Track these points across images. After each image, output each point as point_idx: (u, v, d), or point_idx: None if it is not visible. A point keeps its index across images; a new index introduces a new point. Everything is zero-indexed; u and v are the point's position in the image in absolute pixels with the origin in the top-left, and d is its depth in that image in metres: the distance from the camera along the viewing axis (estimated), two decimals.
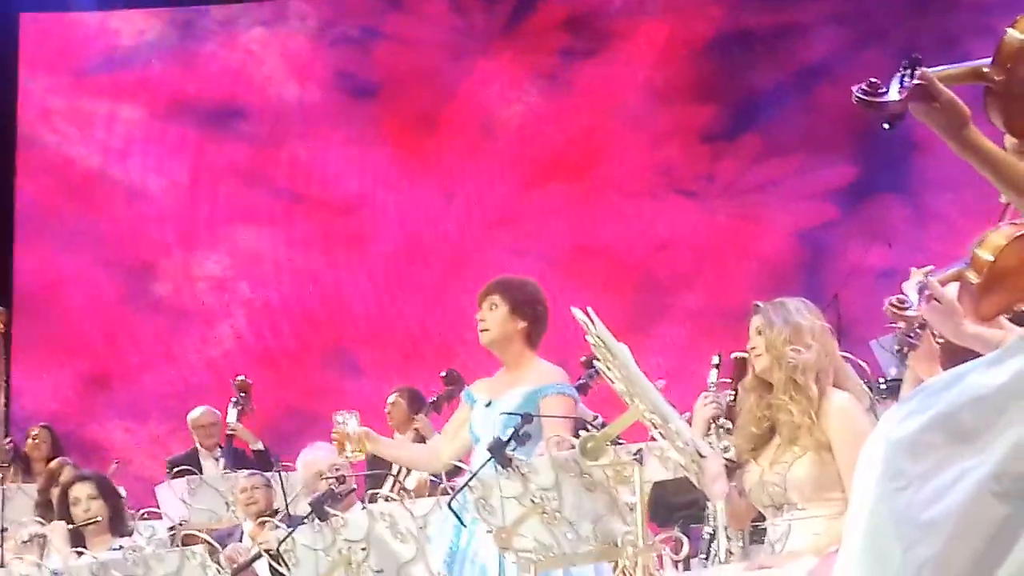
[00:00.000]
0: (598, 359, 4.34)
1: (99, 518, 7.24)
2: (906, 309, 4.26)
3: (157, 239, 13.55)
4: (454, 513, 5.30)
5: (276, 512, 8.04)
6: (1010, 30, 3.22)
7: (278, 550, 5.70)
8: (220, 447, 10.35)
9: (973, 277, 3.82)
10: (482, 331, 6.19)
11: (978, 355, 3.36)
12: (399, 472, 8.51)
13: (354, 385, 13.23)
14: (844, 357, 5.45)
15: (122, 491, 7.95)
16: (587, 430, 4.98)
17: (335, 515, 5.62)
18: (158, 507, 8.87)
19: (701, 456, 4.26)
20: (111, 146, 13.53)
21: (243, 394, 10.44)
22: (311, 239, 13.58)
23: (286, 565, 5.70)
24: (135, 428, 13.01)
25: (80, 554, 6.45)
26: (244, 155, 13.61)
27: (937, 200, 12.46)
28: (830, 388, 4.97)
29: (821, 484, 4.87)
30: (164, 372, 13.27)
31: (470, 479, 5.04)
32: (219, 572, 5.83)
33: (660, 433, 4.34)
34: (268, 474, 8.58)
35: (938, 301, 3.99)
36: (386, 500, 6.87)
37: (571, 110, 13.62)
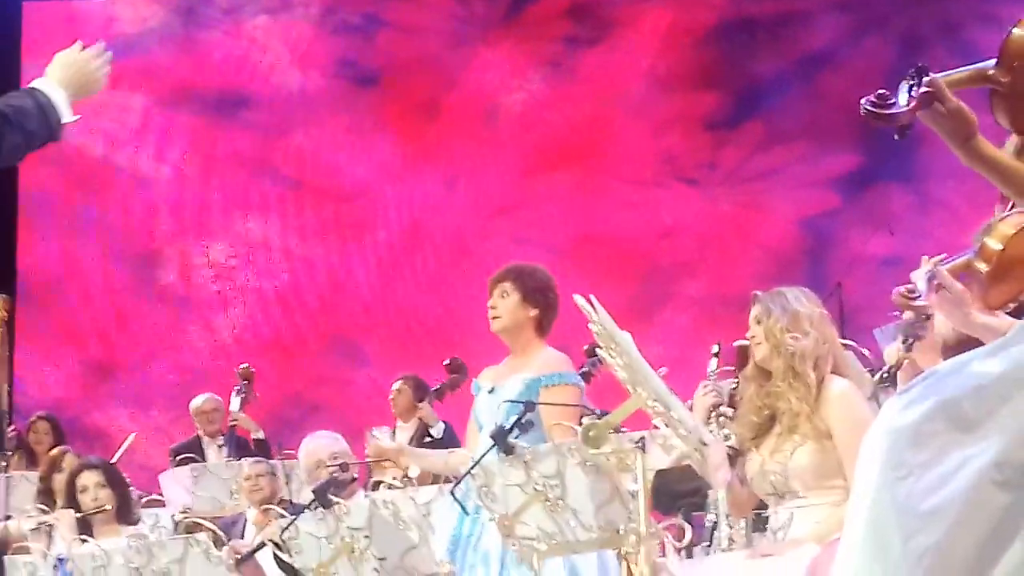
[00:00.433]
0: (601, 347, 4.34)
1: (107, 507, 7.25)
2: (915, 299, 4.26)
3: (161, 227, 13.55)
4: (457, 501, 5.32)
5: (281, 500, 8.06)
6: (1015, 30, 3.22)
7: (281, 538, 5.72)
8: (222, 434, 10.37)
9: (982, 266, 3.82)
10: (493, 318, 6.17)
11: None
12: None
13: (357, 373, 13.24)
14: (846, 345, 5.47)
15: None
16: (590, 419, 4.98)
17: (338, 503, 5.64)
18: (162, 495, 8.89)
19: (704, 444, 4.26)
20: (114, 134, 13.52)
21: (246, 382, 10.46)
22: (314, 227, 13.58)
23: (289, 553, 5.72)
24: (139, 416, 13.02)
25: (84, 542, 6.47)
26: (247, 143, 13.61)
27: (940, 188, 12.45)
28: (829, 375, 4.99)
29: (822, 472, 4.89)
30: (168, 360, 13.28)
31: (473, 466, 5.05)
32: (223, 560, 5.85)
33: (663, 421, 4.35)
34: (271, 462, 8.60)
35: (947, 291, 3.99)
36: (389, 488, 6.90)
37: (573, 98, 13.61)
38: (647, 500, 4.47)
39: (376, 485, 6.92)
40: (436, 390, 9.51)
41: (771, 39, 13.45)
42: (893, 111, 3.04)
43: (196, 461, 9.51)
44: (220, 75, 13.71)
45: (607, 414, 4.64)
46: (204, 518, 8.06)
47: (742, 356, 5.28)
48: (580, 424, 4.98)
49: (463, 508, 5.45)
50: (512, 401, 5.74)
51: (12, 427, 9.91)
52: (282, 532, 5.75)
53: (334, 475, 6.14)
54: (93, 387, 13.10)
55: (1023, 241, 3.73)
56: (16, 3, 13.49)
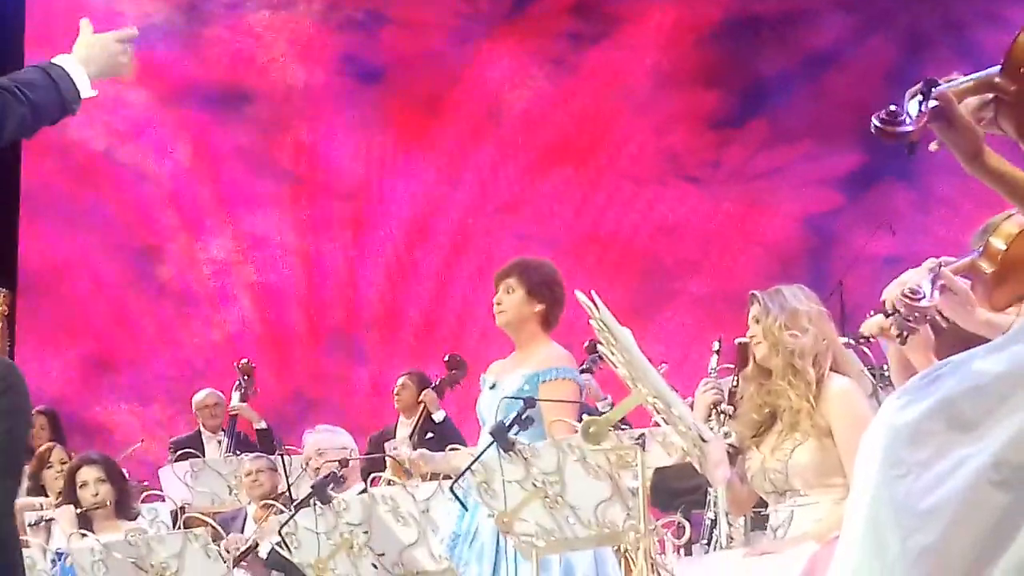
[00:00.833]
0: (601, 343, 4.34)
1: (107, 502, 7.25)
2: (919, 300, 4.26)
3: (162, 222, 13.55)
4: (456, 497, 5.31)
5: (280, 495, 8.06)
6: (1021, 36, 3.20)
7: (280, 533, 5.71)
8: (223, 429, 10.38)
9: (986, 266, 3.81)
10: (498, 313, 6.17)
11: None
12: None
13: (358, 370, 13.24)
14: (847, 344, 5.46)
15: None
16: (591, 415, 4.98)
17: (337, 498, 5.63)
18: (161, 490, 8.89)
19: (703, 441, 4.26)
20: (116, 129, 13.51)
21: (246, 377, 10.47)
22: (316, 223, 13.57)
23: (288, 548, 5.71)
24: (139, 411, 13.02)
25: (84, 536, 6.46)
26: (250, 138, 13.60)
27: (942, 187, 12.45)
28: (829, 373, 4.99)
29: (823, 470, 4.89)
30: (168, 355, 13.27)
31: (473, 463, 5.05)
32: (221, 555, 5.84)
33: (663, 418, 4.34)
34: (272, 457, 8.60)
35: (952, 291, 3.98)
36: (388, 484, 6.89)
37: (577, 95, 13.61)
38: (646, 497, 4.46)
39: (374, 480, 6.92)
40: (435, 386, 9.51)
41: (776, 37, 13.45)
42: (903, 129, 3.02)
43: (196, 456, 9.51)
44: (223, 70, 13.70)
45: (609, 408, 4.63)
46: (203, 513, 8.06)
47: (742, 354, 5.28)
48: (580, 420, 4.98)
49: (462, 504, 5.44)
50: (511, 398, 5.73)
51: None
52: (281, 527, 5.74)
53: (333, 471, 6.12)
54: (93, 381, 13.10)
55: None
56: None
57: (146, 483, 9.02)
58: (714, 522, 5.76)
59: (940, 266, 4.11)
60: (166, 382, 13.00)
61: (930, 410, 3.00)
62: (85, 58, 3.59)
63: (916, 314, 4.22)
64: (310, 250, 13.55)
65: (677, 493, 6.75)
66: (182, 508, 8.11)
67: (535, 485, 4.84)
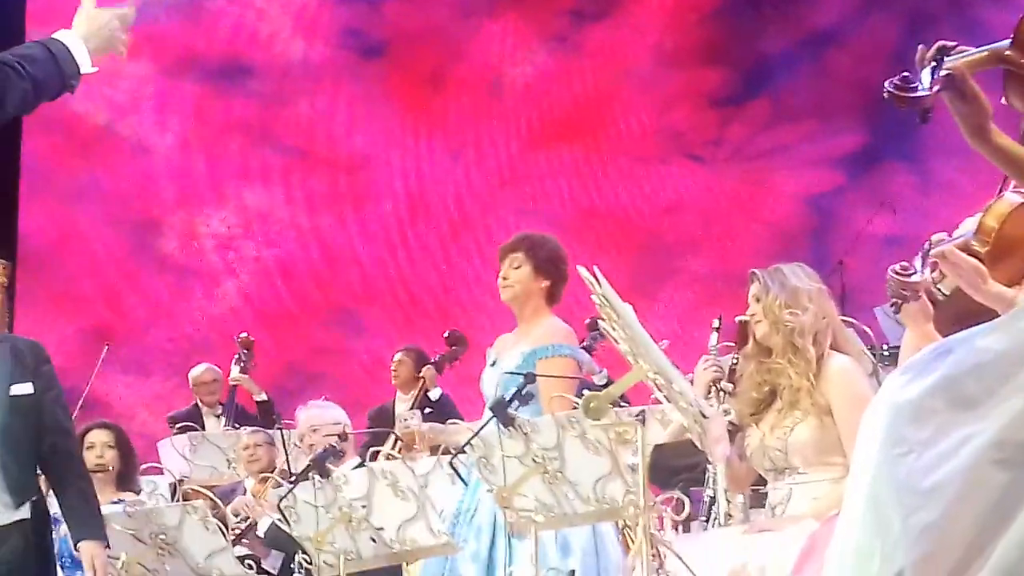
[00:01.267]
0: (603, 319, 4.33)
1: (109, 468, 7.24)
2: (910, 275, 4.25)
3: (163, 196, 13.52)
4: (455, 471, 5.31)
5: (278, 470, 8.06)
6: None
7: (279, 507, 5.71)
8: (220, 404, 10.38)
9: (978, 245, 3.81)
10: (504, 287, 6.13)
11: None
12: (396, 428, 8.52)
13: (357, 344, 13.23)
14: (847, 323, 5.45)
15: None
16: (590, 390, 4.97)
17: (336, 472, 5.63)
18: (160, 463, 8.89)
19: (704, 417, 4.25)
20: (117, 102, 13.48)
21: (246, 351, 10.46)
22: (317, 197, 13.55)
23: (287, 522, 5.71)
24: (138, 385, 13.02)
25: None
26: (251, 112, 13.57)
27: (944, 168, 12.44)
28: (830, 351, 4.99)
29: (822, 448, 4.88)
30: (168, 329, 13.26)
31: (472, 438, 5.05)
32: (220, 528, 5.85)
33: (663, 394, 4.34)
34: (270, 432, 8.59)
35: (960, 265, 3.97)
36: (388, 458, 6.89)
37: (579, 72, 13.58)
38: (646, 473, 4.46)
39: (374, 455, 6.92)
40: (435, 362, 9.49)
41: (779, 16, 13.42)
42: (917, 95, 3.02)
43: (194, 430, 9.51)
44: (224, 44, 13.67)
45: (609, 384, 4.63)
46: (201, 486, 8.06)
47: (742, 332, 5.27)
48: (579, 396, 4.97)
49: (461, 478, 5.44)
50: (511, 373, 5.73)
51: None
52: (279, 501, 5.74)
53: (332, 444, 6.12)
54: (93, 355, 13.08)
55: (1021, 218, 3.71)
56: None
57: (144, 466, 9.03)
58: (713, 499, 5.76)
59: (931, 244, 4.11)
60: (166, 356, 13.00)
61: (932, 388, 2.99)
62: (85, 34, 3.58)
63: (907, 290, 4.23)
64: (310, 224, 13.53)
65: (676, 471, 6.74)
66: (180, 481, 8.12)
67: (535, 461, 4.84)
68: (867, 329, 6.21)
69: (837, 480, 4.77)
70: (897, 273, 4.25)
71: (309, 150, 13.61)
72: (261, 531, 7.61)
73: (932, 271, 4.13)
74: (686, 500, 4.85)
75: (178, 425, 9.80)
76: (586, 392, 4.46)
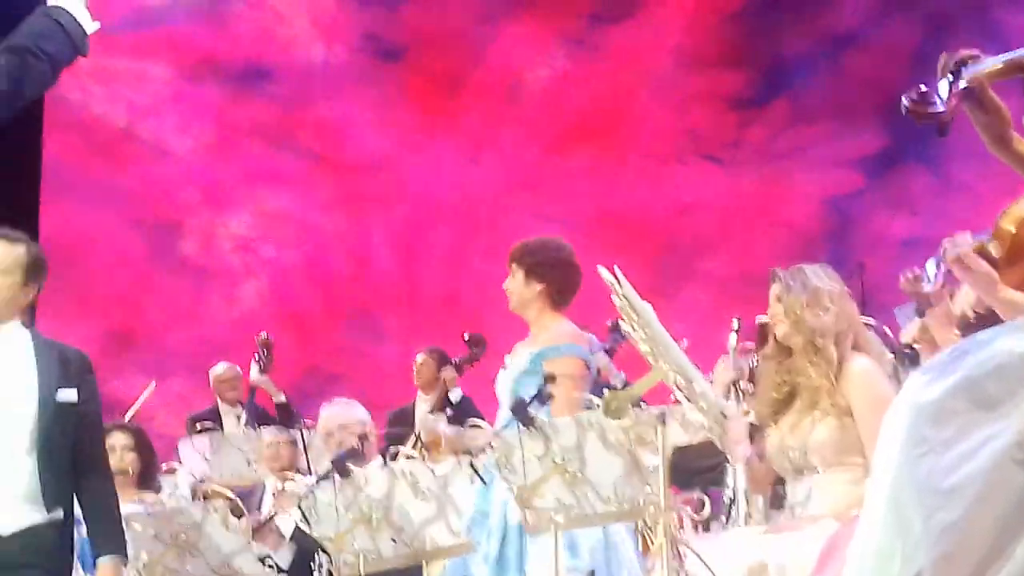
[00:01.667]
0: (624, 319, 4.34)
1: (129, 471, 7.27)
2: (921, 284, 4.25)
3: (182, 198, 13.56)
4: (475, 472, 5.32)
5: (299, 470, 8.08)
6: None
7: (300, 507, 5.73)
8: (240, 404, 10.39)
9: (994, 249, 3.81)
10: (509, 298, 6.22)
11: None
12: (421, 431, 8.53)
13: (376, 347, 13.25)
14: (866, 324, 5.45)
15: None
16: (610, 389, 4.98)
17: (357, 472, 5.64)
18: (180, 463, 8.91)
19: (724, 417, 4.26)
20: (137, 104, 13.52)
21: (265, 351, 10.47)
22: (336, 200, 13.58)
23: (307, 522, 5.73)
24: (158, 386, 13.03)
25: None
26: (270, 115, 13.60)
27: (963, 170, 12.41)
28: (850, 352, 4.97)
29: (842, 448, 4.88)
30: (188, 331, 13.29)
31: (491, 439, 5.05)
32: (241, 528, 5.86)
33: (684, 394, 4.34)
34: (292, 431, 8.60)
35: (974, 270, 3.97)
36: (408, 459, 6.90)
37: (598, 74, 13.58)
38: (666, 473, 4.47)
39: (394, 455, 6.93)
40: (455, 363, 9.49)
41: (798, 18, 13.41)
42: (935, 110, 3.02)
43: (214, 430, 9.53)
44: (244, 47, 13.70)
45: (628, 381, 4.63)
46: (223, 487, 8.08)
47: (763, 333, 5.27)
48: (585, 396, 5.01)
49: (481, 479, 5.45)
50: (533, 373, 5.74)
51: None
52: (300, 501, 5.76)
53: (353, 446, 6.13)
54: (113, 356, 13.13)
55: None
56: None
57: (164, 466, 9.05)
58: (732, 500, 5.76)
59: (945, 250, 4.10)
60: (185, 357, 13.01)
61: (954, 388, 2.99)
62: None
63: (919, 298, 4.23)
64: (329, 227, 13.55)
65: (695, 471, 6.75)
66: (201, 481, 8.13)
67: (555, 461, 4.84)
68: (887, 330, 6.22)
69: (856, 481, 4.76)
70: (908, 280, 4.25)
71: (328, 153, 13.64)
72: (285, 530, 7.62)
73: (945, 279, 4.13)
74: (706, 500, 4.86)
75: (199, 425, 9.81)
76: (607, 392, 4.48)
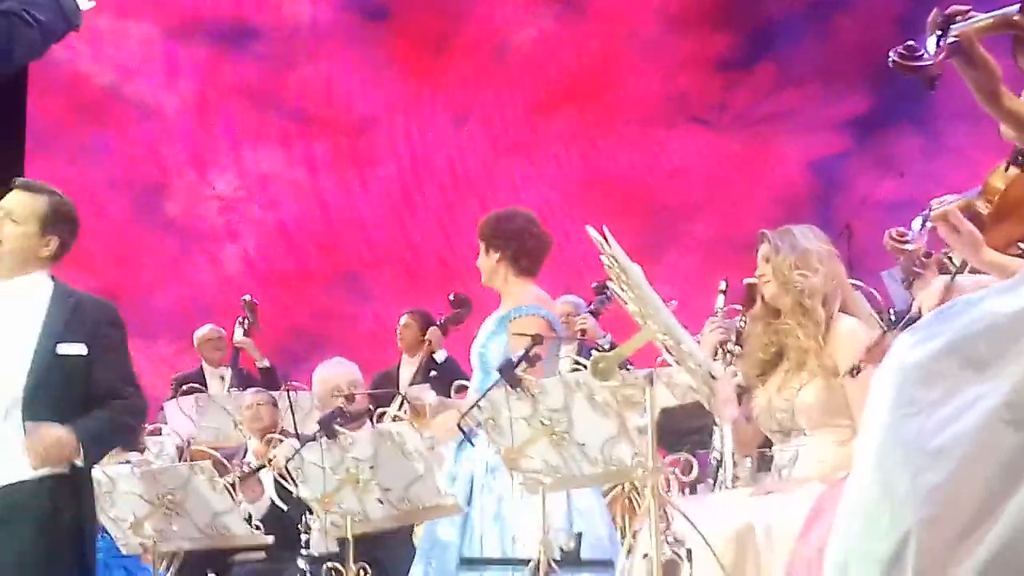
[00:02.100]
0: (611, 280, 4.33)
1: None
2: (906, 242, 4.24)
3: (168, 158, 13.51)
4: (463, 432, 5.33)
5: (283, 431, 8.07)
6: None
7: (286, 467, 5.73)
8: (225, 365, 10.39)
9: (982, 207, 3.80)
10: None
11: None
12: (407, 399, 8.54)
13: (361, 308, 13.24)
14: (855, 286, 5.45)
15: None
16: (599, 350, 4.98)
17: (343, 434, 5.64)
18: (165, 424, 8.90)
19: (713, 378, 4.25)
20: (123, 64, 13.46)
21: (250, 313, 10.46)
22: (321, 161, 13.54)
23: (294, 482, 5.73)
24: (143, 347, 13.01)
25: None
26: (256, 75, 13.55)
27: (951, 132, 12.41)
28: (838, 313, 4.98)
29: (829, 410, 4.88)
30: (173, 292, 13.27)
31: (479, 399, 5.05)
32: (226, 488, 5.86)
33: (672, 355, 4.34)
34: (276, 393, 8.60)
35: (959, 230, 3.96)
36: (394, 419, 6.91)
37: (584, 36, 13.54)
38: (654, 434, 4.46)
39: (381, 416, 6.94)
40: (440, 324, 9.49)
41: None
42: (922, 63, 3.01)
43: (200, 391, 9.52)
44: (230, 6, 13.64)
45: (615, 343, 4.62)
46: (208, 448, 8.09)
47: (750, 294, 5.27)
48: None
49: (469, 440, 5.46)
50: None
51: None
52: (287, 461, 5.76)
53: (341, 406, 6.13)
54: None
55: None
56: None
57: (150, 427, 9.03)
58: (719, 462, 5.76)
59: (930, 209, 4.10)
60: (170, 318, 13.00)
61: (942, 349, 2.98)
62: None
63: (905, 258, 4.22)
64: (314, 187, 13.52)
65: (682, 433, 6.76)
66: (187, 442, 8.13)
67: (542, 422, 4.84)
68: (874, 292, 6.22)
69: (843, 442, 4.77)
70: (893, 239, 4.24)
71: (314, 113, 13.60)
72: (269, 489, 7.62)
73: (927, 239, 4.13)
74: (694, 462, 4.86)
75: (180, 388, 9.81)
76: (594, 353, 4.47)
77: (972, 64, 3.06)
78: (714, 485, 5.76)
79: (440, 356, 9.38)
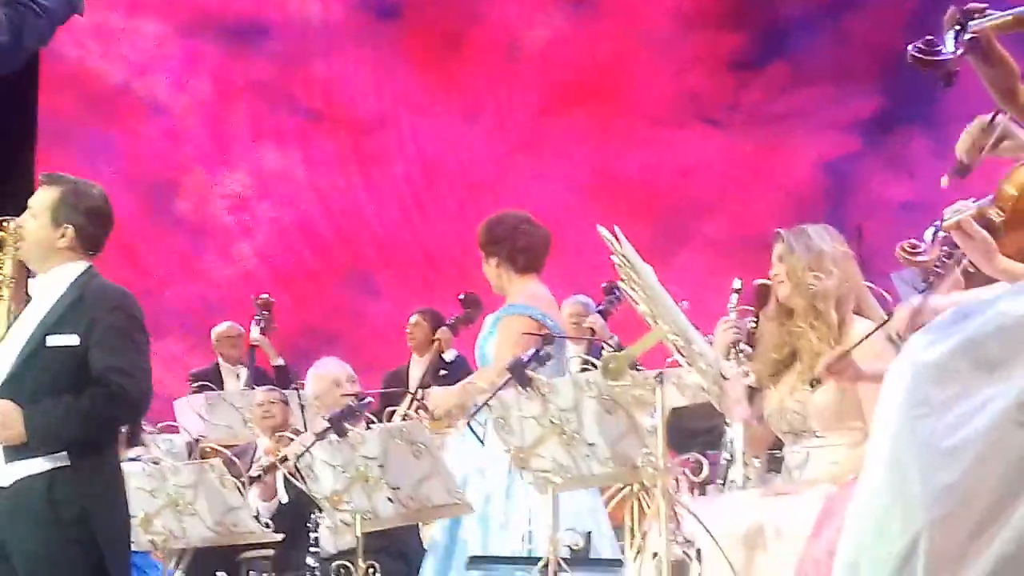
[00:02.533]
0: (622, 279, 4.32)
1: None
2: (918, 254, 4.23)
3: (179, 156, 13.52)
4: (472, 432, 5.32)
5: (294, 430, 8.07)
6: None
7: (296, 465, 5.73)
8: (242, 363, 10.40)
9: (994, 214, 3.79)
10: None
11: None
12: (416, 391, 8.53)
13: (372, 306, 13.24)
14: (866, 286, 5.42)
15: None
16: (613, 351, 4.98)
17: (353, 432, 5.64)
18: (176, 421, 8.92)
19: (724, 378, 4.24)
20: (134, 61, 13.47)
21: (265, 312, 10.48)
22: (332, 159, 13.54)
23: (304, 480, 5.73)
24: (154, 344, 12.95)
25: None
26: (267, 73, 13.55)
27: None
28: (851, 316, 4.95)
29: (841, 412, 4.86)
30: (184, 290, 13.28)
31: (489, 398, 5.05)
32: (237, 486, 5.86)
33: (683, 355, 4.33)
34: (286, 391, 8.61)
35: (972, 237, 3.95)
36: (404, 418, 6.91)
37: (597, 35, 13.53)
38: (664, 434, 4.46)
39: (390, 415, 6.93)
40: (450, 324, 9.48)
41: None
42: (940, 58, 3.00)
43: (211, 389, 9.54)
44: (241, 3, 13.64)
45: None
46: (219, 445, 8.09)
47: (761, 295, 5.25)
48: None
49: (479, 439, 5.46)
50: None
51: None
52: (296, 459, 5.76)
53: (349, 404, 6.13)
54: None
55: None
56: None
57: (160, 424, 9.04)
58: (730, 462, 5.74)
59: (943, 218, 4.09)
60: (181, 316, 13.00)
61: (955, 350, 2.98)
62: None
63: (917, 268, 4.20)
64: (325, 186, 13.52)
65: (692, 434, 6.74)
66: (197, 440, 8.14)
67: (552, 422, 4.84)
68: (885, 294, 6.20)
69: (855, 445, 4.75)
70: (906, 251, 4.23)
71: (325, 112, 13.60)
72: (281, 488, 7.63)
73: (941, 247, 4.11)
74: (704, 462, 4.85)
75: (196, 384, 9.82)
76: (606, 352, 4.47)
77: (989, 61, 3.05)
78: (724, 486, 5.75)
79: (450, 356, 9.37)
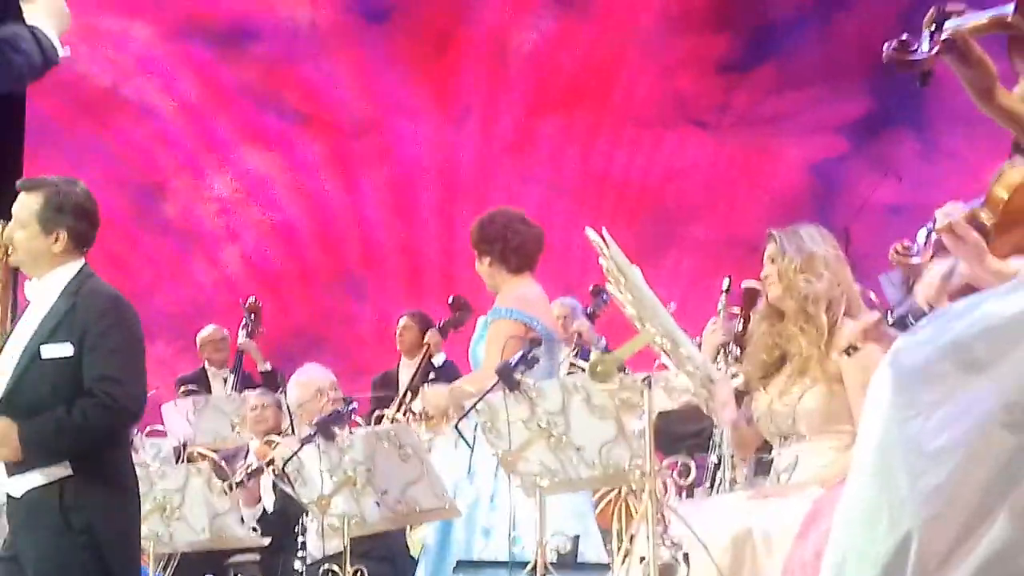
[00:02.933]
0: (610, 282, 4.32)
1: None
2: (911, 256, 4.23)
3: (167, 159, 13.50)
4: (460, 434, 5.32)
5: (282, 433, 8.07)
6: None
7: (283, 469, 5.72)
8: (227, 367, 10.38)
9: (985, 216, 3.79)
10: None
11: None
12: (405, 394, 8.53)
13: (360, 309, 13.23)
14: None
15: None
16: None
17: (341, 435, 5.63)
18: (163, 425, 8.90)
19: (711, 381, 4.24)
20: (122, 65, 13.45)
21: (253, 316, 10.46)
22: (321, 162, 13.53)
23: (291, 484, 5.72)
24: None
25: None
26: (255, 76, 13.54)
27: (949, 136, 12.39)
28: (842, 319, 4.94)
29: (830, 416, 4.85)
30: (172, 293, 13.26)
31: (477, 402, 5.04)
32: (224, 490, 5.86)
33: (670, 358, 4.33)
34: (278, 395, 8.60)
35: (963, 239, 3.95)
36: (392, 422, 6.90)
37: (585, 37, 13.53)
38: (652, 437, 4.45)
39: (379, 419, 6.93)
40: (439, 327, 9.48)
41: None
42: (915, 58, 3.02)
43: (199, 394, 9.51)
44: (229, 6, 13.63)
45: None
46: (206, 450, 8.08)
47: (749, 297, 5.24)
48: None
49: (466, 442, 5.45)
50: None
51: None
52: (284, 464, 5.75)
53: (337, 408, 6.12)
54: None
55: None
56: None
57: (148, 428, 9.02)
58: (717, 465, 5.75)
59: (934, 221, 4.09)
60: (169, 319, 12.98)
61: (942, 351, 2.98)
62: (55, 24, 3.56)
63: (910, 270, 4.21)
64: (314, 189, 13.50)
65: (680, 437, 6.75)
66: (184, 444, 8.12)
67: (540, 425, 4.83)
68: (872, 296, 6.20)
69: (844, 448, 4.74)
70: (899, 253, 4.23)
71: (313, 114, 13.59)
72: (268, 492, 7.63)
73: (932, 252, 4.12)
74: (691, 465, 4.84)
75: (183, 388, 9.80)
76: (594, 354, 4.46)
77: (966, 62, 3.06)
78: (712, 489, 5.74)
79: (439, 359, 9.37)
